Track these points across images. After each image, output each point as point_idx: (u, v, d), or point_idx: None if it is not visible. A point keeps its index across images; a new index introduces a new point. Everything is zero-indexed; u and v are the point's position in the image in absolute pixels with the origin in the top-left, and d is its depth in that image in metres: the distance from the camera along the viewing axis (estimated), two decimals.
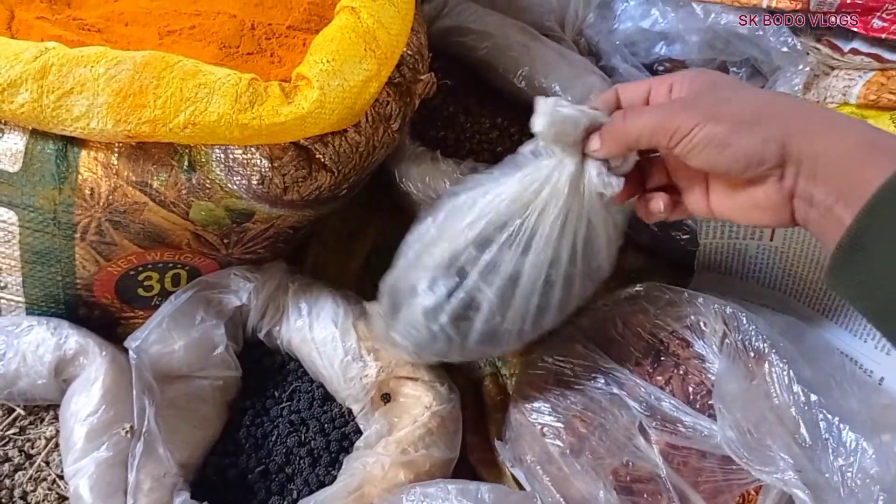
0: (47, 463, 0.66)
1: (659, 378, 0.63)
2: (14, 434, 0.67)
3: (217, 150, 0.60)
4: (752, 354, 0.60)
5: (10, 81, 0.55)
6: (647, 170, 0.53)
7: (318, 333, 0.69)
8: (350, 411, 0.69)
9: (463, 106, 0.87)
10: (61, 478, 0.64)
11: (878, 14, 0.80)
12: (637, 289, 0.67)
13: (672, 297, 0.65)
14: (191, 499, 0.60)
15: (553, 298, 0.57)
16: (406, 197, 0.78)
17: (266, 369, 0.73)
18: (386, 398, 0.67)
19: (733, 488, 0.58)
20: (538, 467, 0.63)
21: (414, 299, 0.59)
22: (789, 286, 0.72)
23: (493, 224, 0.54)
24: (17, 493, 0.64)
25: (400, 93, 0.66)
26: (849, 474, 0.55)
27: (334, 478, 0.64)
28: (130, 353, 0.63)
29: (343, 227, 0.87)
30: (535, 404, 0.65)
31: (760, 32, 0.85)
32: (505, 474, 0.69)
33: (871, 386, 0.64)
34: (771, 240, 0.70)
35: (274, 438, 0.68)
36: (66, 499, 0.63)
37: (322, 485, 0.65)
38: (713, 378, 0.61)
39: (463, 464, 0.68)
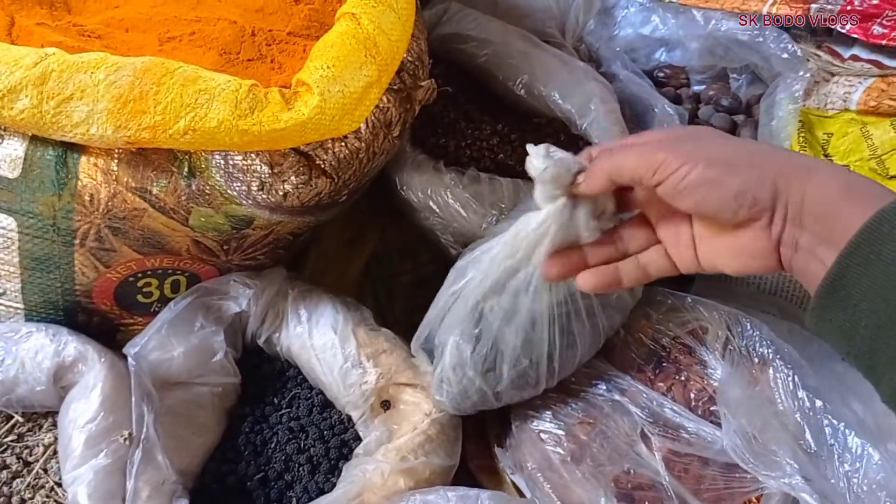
0: (45, 470, 0.65)
1: (661, 384, 0.63)
2: (12, 441, 0.67)
3: (217, 156, 0.60)
4: (755, 360, 0.60)
5: (10, 87, 0.55)
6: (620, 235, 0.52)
7: (318, 340, 0.69)
8: (349, 418, 0.69)
9: (463, 113, 0.87)
10: (59, 485, 0.64)
11: (879, 20, 0.81)
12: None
13: (674, 303, 0.65)
14: None
15: (575, 331, 0.60)
16: (406, 204, 0.78)
17: (265, 376, 0.72)
18: (385, 405, 0.67)
19: (735, 496, 0.58)
20: (539, 474, 0.62)
21: (442, 357, 0.63)
22: (790, 293, 0.71)
23: (503, 276, 0.57)
24: (14, 500, 0.64)
25: (400, 99, 0.66)
26: (855, 480, 0.55)
27: (333, 485, 0.64)
28: (129, 359, 0.63)
29: (343, 233, 0.87)
30: (536, 411, 0.65)
31: (761, 39, 0.85)
32: (505, 481, 0.68)
33: (875, 392, 0.63)
34: None
35: (273, 445, 0.68)
36: None
37: (321, 492, 0.64)
38: (715, 384, 0.61)
39: (463, 471, 0.68)
